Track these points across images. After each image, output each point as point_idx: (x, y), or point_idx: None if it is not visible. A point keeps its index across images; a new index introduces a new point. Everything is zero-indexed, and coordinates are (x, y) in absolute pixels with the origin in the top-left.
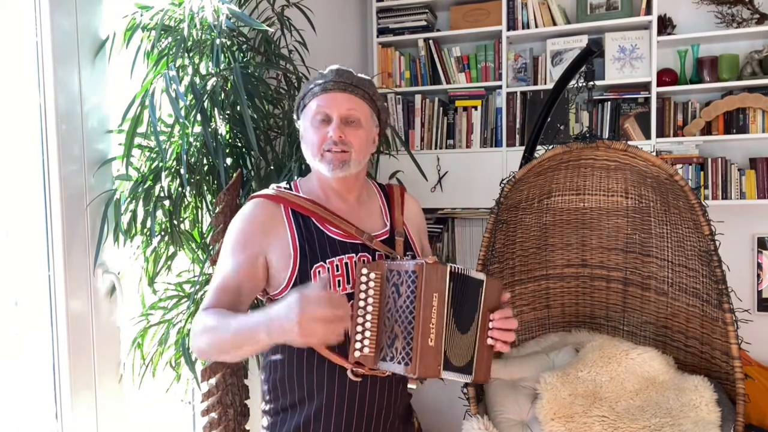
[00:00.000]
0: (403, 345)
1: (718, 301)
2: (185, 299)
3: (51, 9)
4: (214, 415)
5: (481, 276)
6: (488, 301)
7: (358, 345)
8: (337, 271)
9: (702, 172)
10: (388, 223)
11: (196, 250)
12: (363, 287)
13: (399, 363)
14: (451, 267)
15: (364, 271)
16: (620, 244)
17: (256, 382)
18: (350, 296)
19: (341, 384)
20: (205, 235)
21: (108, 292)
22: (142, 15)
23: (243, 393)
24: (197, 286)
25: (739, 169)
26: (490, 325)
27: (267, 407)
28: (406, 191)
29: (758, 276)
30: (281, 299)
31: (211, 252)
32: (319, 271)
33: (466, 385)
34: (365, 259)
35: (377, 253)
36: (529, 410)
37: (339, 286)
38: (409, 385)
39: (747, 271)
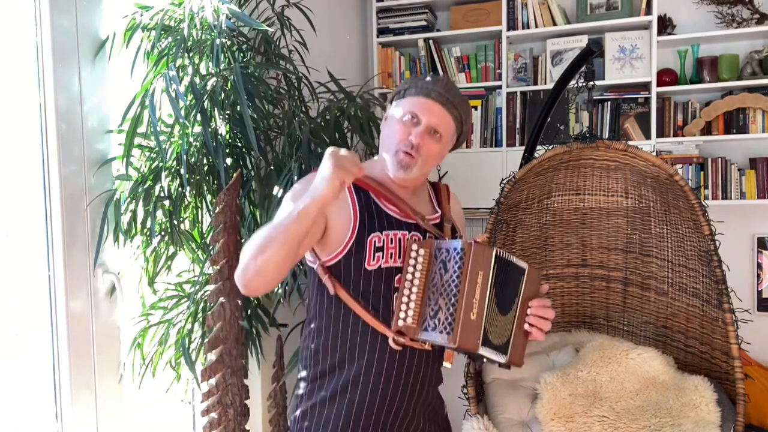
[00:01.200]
0: (446, 316)
1: (718, 301)
2: (185, 299)
3: (51, 9)
4: (214, 415)
5: (524, 264)
6: (528, 288)
7: (402, 315)
8: (391, 244)
9: (702, 172)
10: (439, 211)
11: (196, 250)
12: (412, 262)
13: (441, 333)
14: (497, 250)
15: (414, 247)
16: (620, 244)
17: (256, 382)
18: (400, 270)
19: (382, 351)
20: (205, 235)
21: (108, 292)
22: (142, 15)
23: (243, 393)
24: (197, 286)
25: (739, 169)
26: (528, 311)
27: (305, 373)
28: (450, 190)
29: (758, 276)
30: (334, 266)
31: (211, 252)
32: (374, 241)
33: (467, 380)
34: (417, 237)
35: (428, 234)
36: (529, 410)
37: (391, 258)
38: (444, 363)
39: (747, 271)
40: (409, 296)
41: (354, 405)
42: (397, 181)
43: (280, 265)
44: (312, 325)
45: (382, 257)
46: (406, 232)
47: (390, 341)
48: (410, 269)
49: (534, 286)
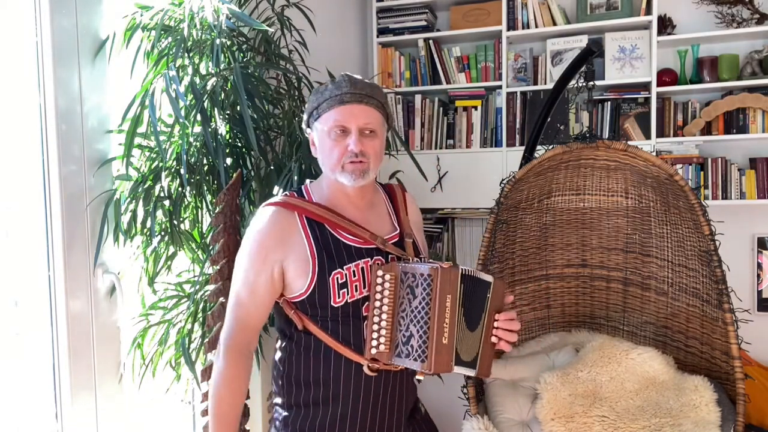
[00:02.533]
0: (419, 344)
1: (718, 301)
2: (185, 299)
3: (51, 9)
4: None
5: (489, 278)
6: (494, 301)
7: (374, 342)
8: (354, 276)
9: (702, 172)
10: (397, 226)
11: (196, 250)
12: (378, 288)
13: (415, 360)
14: (462, 270)
15: (380, 273)
16: (620, 244)
17: (256, 382)
18: (367, 298)
19: (357, 379)
20: (205, 235)
21: (108, 292)
22: (142, 15)
23: None
24: (197, 286)
25: (739, 169)
26: (495, 324)
27: (279, 400)
28: (405, 190)
29: (758, 276)
30: (299, 303)
31: (211, 252)
32: (336, 278)
33: (467, 380)
34: (379, 262)
35: (390, 255)
36: (529, 410)
37: (356, 290)
38: (417, 377)
39: (747, 271)
40: (379, 323)
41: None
42: (354, 191)
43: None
44: (280, 354)
45: (347, 292)
46: (368, 259)
47: (365, 368)
48: (378, 296)
49: (499, 298)
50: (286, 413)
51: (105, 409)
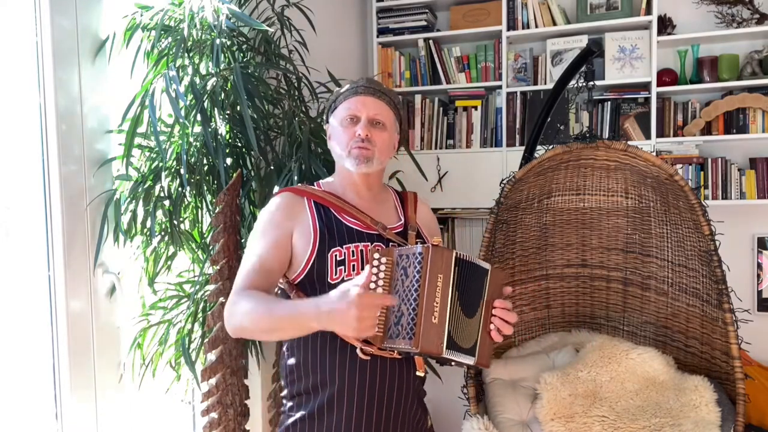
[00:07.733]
0: (407, 321)
1: (718, 301)
2: (185, 299)
3: (51, 9)
4: (214, 415)
5: (487, 265)
6: (492, 290)
7: None
8: (353, 256)
9: (702, 172)
10: (402, 219)
11: (196, 250)
12: (374, 270)
13: (403, 338)
14: (457, 252)
15: (376, 255)
16: (620, 244)
17: (256, 382)
18: None
19: (352, 365)
20: (205, 235)
21: (108, 292)
22: (142, 15)
23: (243, 393)
24: (197, 286)
25: (739, 169)
26: (493, 312)
27: (285, 391)
28: (419, 197)
29: (758, 276)
30: (300, 283)
31: (211, 252)
32: (335, 255)
33: (467, 379)
34: (379, 247)
35: (391, 243)
36: (529, 410)
37: (353, 270)
38: (417, 372)
39: (747, 271)
40: None
41: (333, 426)
42: (360, 180)
43: (266, 338)
44: (286, 343)
45: (344, 270)
46: (368, 244)
47: (357, 351)
48: (373, 278)
49: (498, 287)
50: (290, 403)
51: (105, 409)
